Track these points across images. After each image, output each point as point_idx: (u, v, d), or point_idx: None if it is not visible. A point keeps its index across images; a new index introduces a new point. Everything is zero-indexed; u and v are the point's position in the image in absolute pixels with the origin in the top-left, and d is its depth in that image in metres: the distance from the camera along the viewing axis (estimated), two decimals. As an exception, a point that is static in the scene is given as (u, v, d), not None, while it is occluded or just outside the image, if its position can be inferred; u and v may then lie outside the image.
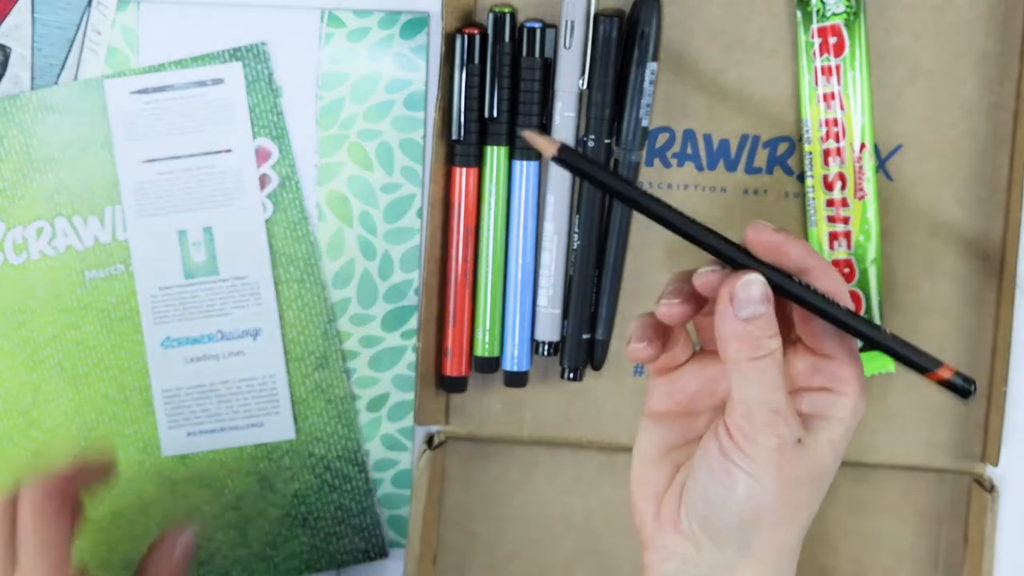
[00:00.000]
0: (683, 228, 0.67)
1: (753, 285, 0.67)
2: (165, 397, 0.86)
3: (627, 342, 0.72)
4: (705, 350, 0.73)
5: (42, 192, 0.88)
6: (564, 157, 0.66)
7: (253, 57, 0.87)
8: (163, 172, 0.78)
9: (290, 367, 0.88)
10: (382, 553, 0.90)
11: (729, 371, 0.67)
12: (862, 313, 0.86)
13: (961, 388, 0.69)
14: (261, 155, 0.87)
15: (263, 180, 0.87)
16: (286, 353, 0.87)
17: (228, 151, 0.79)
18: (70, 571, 0.74)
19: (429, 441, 0.88)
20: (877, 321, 0.86)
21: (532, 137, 0.66)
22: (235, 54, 0.87)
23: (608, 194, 0.68)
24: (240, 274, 0.80)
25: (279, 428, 0.88)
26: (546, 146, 0.66)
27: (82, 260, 0.87)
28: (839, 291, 0.68)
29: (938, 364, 0.69)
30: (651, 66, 0.84)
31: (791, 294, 0.67)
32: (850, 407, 0.69)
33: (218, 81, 0.78)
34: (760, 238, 0.68)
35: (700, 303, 0.70)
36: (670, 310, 0.70)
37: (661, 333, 0.72)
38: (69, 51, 0.87)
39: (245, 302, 0.81)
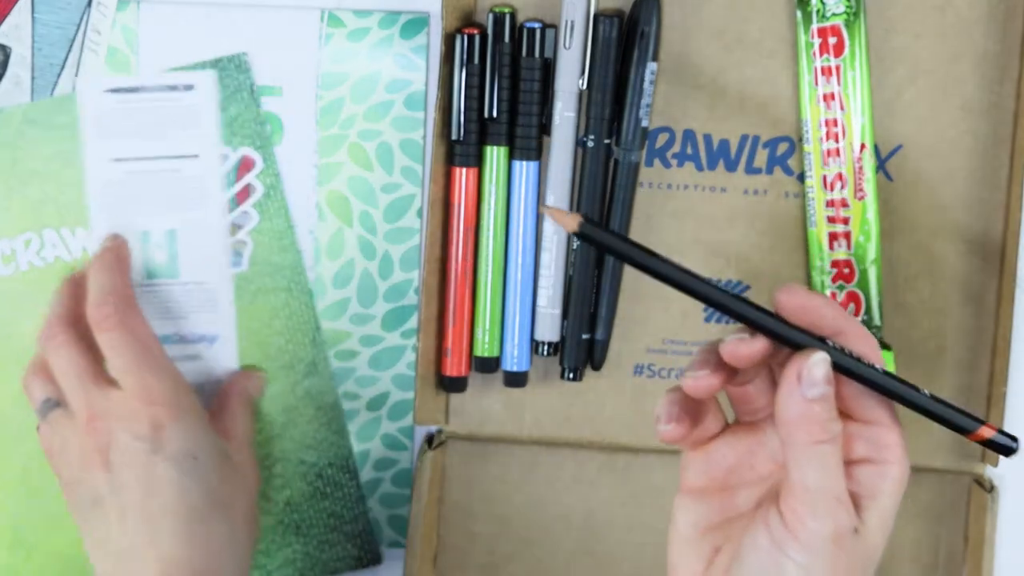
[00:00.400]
0: (715, 299, 0.64)
1: (820, 365, 0.63)
2: None
3: (656, 421, 0.67)
4: (740, 422, 0.69)
5: (28, 204, 0.87)
6: (586, 232, 0.63)
7: (234, 68, 0.87)
8: (130, 172, 0.79)
9: (276, 373, 0.88)
10: (376, 560, 0.90)
11: (790, 455, 0.63)
12: (861, 315, 0.86)
13: (1004, 446, 0.67)
14: (245, 165, 0.87)
15: (248, 190, 0.87)
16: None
17: (195, 156, 0.79)
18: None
19: (429, 441, 0.88)
20: (877, 321, 0.86)
21: (553, 212, 0.63)
22: (216, 64, 0.86)
23: (635, 267, 0.64)
24: (200, 279, 0.80)
25: None
26: (567, 221, 0.63)
27: (71, 271, 0.87)
28: (874, 352, 0.65)
29: (980, 423, 0.66)
30: (651, 66, 0.84)
31: (838, 365, 0.64)
32: (898, 477, 0.65)
33: (189, 87, 0.79)
34: (793, 301, 0.64)
35: (730, 373, 0.66)
36: (697, 383, 0.65)
37: (691, 409, 0.67)
38: (69, 51, 0.87)
39: (203, 307, 0.81)
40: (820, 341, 0.63)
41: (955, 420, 0.65)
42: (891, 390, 0.64)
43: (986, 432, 0.66)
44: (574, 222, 0.62)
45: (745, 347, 0.63)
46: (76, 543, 0.79)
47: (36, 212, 0.88)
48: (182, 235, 0.80)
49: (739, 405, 0.68)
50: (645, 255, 0.63)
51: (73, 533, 0.79)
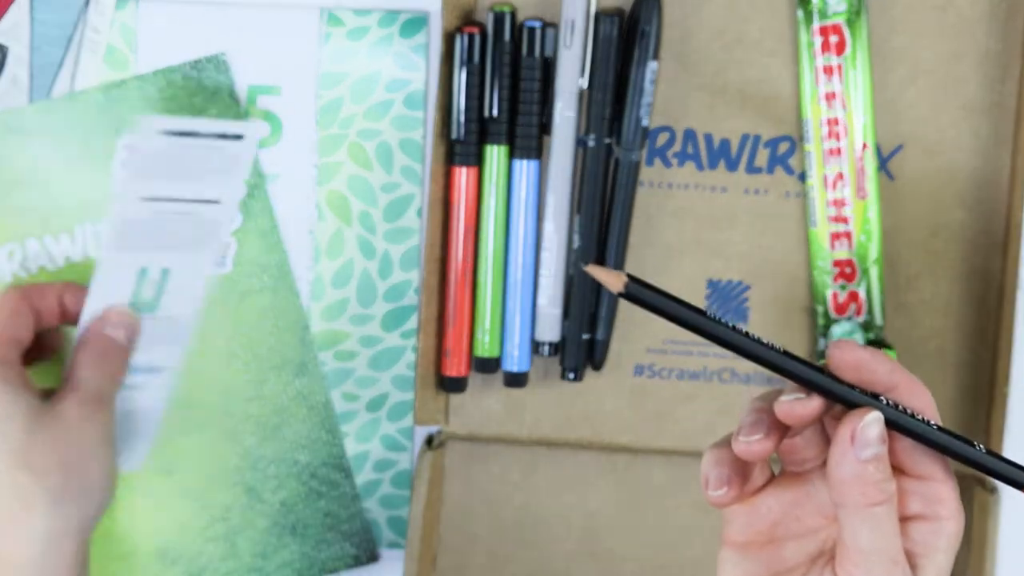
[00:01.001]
0: (764, 357, 0.61)
1: (874, 425, 0.60)
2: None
3: (704, 485, 0.64)
4: (786, 472, 0.66)
5: (11, 214, 0.87)
6: (632, 292, 0.60)
7: (213, 68, 0.87)
8: (156, 212, 0.76)
9: (266, 375, 0.87)
10: (373, 558, 0.90)
11: (843, 517, 0.61)
12: (863, 316, 0.86)
13: None
14: None
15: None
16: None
17: (216, 202, 0.77)
18: None
19: (429, 441, 0.88)
20: (879, 321, 0.86)
21: (596, 272, 0.60)
22: (194, 65, 0.86)
23: (683, 326, 0.60)
24: (173, 314, 0.78)
25: (129, 459, 0.83)
26: (611, 281, 0.60)
27: (58, 279, 0.87)
28: (928, 406, 0.62)
29: None
30: (652, 65, 0.84)
31: (894, 423, 0.62)
32: (953, 532, 0.62)
33: (239, 136, 0.76)
34: (846, 357, 0.61)
35: (783, 433, 0.63)
36: (751, 447, 0.62)
37: (742, 468, 0.64)
38: (67, 50, 0.87)
39: (164, 340, 0.80)
40: (873, 398, 0.61)
41: (1011, 475, 0.63)
42: (945, 446, 0.62)
43: None
44: (619, 282, 0.59)
45: (801, 407, 0.61)
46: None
47: (19, 222, 0.87)
48: (174, 274, 0.78)
49: (785, 456, 0.66)
50: (694, 315, 0.60)
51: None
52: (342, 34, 0.87)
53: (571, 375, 0.87)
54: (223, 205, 0.77)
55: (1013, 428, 0.87)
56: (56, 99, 0.87)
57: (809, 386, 0.61)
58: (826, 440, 0.64)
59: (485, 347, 0.87)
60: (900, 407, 0.62)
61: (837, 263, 0.85)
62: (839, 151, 0.85)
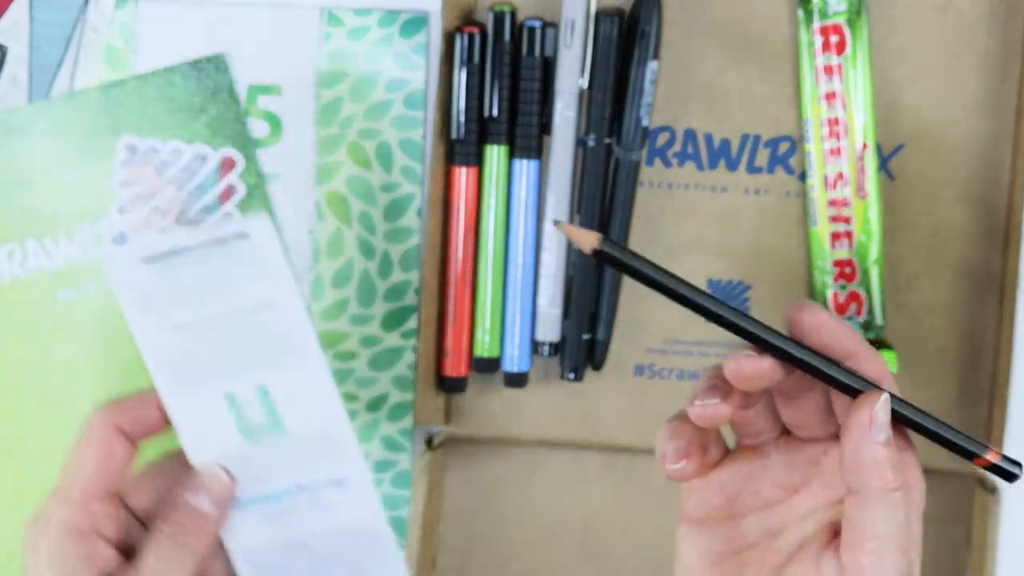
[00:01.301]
0: (727, 318, 0.61)
1: (887, 406, 0.60)
2: (245, 556, 0.73)
3: (660, 459, 0.62)
4: (741, 446, 0.65)
5: (10, 215, 0.87)
6: (604, 249, 0.60)
7: (213, 68, 0.86)
8: (196, 336, 0.67)
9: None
10: None
11: (860, 503, 0.60)
12: (864, 315, 0.86)
13: (1007, 472, 0.65)
14: (226, 165, 0.87)
15: (229, 191, 0.87)
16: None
17: (272, 305, 0.68)
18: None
19: (429, 442, 0.88)
20: (879, 321, 0.86)
21: (568, 229, 0.60)
22: (194, 65, 0.86)
23: (653, 288, 0.61)
24: (312, 431, 0.69)
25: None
26: (584, 239, 0.59)
27: (57, 280, 0.87)
28: (885, 376, 0.62)
29: (985, 449, 0.64)
30: (652, 65, 0.84)
31: (834, 381, 0.61)
32: (918, 500, 0.62)
33: (242, 236, 0.68)
34: (807, 319, 0.60)
35: (741, 399, 0.61)
36: (706, 411, 0.60)
37: (698, 439, 0.63)
38: (67, 50, 0.87)
39: (323, 456, 0.69)
40: (833, 364, 0.61)
41: (963, 444, 0.64)
42: (904, 415, 0.62)
43: (992, 457, 0.64)
44: (592, 240, 0.59)
45: (750, 365, 0.60)
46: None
47: (18, 222, 0.87)
48: (277, 390, 0.68)
49: (740, 428, 0.65)
50: (662, 275, 0.61)
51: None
52: (342, 34, 0.87)
53: (571, 375, 0.87)
54: (283, 307, 0.68)
55: (1013, 428, 0.87)
56: (55, 99, 0.87)
57: (765, 347, 0.60)
58: (776, 414, 0.64)
59: (485, 347, 0.87)
60: (858, 375, 0.61)
61: (837, 263, 0.85)
62: (839, 151, 0.85)
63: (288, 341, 0.68)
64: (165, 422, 0.67)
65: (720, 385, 0.61)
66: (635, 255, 0.60)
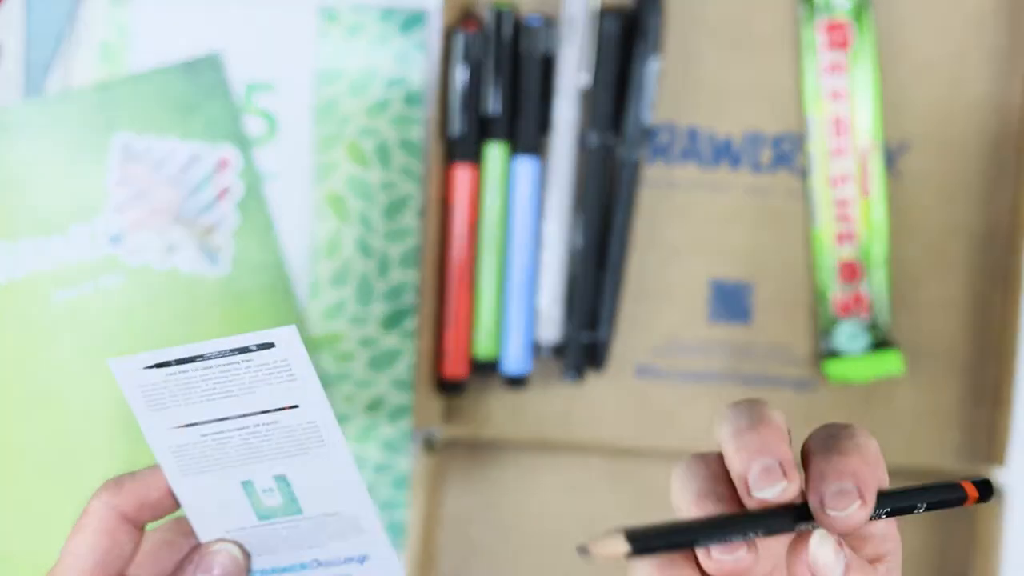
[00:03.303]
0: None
1: (823, 543, 0.54)
2: None
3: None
4: None
5: (4, 214, 0.87)
6: (640, 546, 0.54)
7: (208, 67, 0.86)
8: (207, 434, 0.63)
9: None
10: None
11: None
12: (868, 316, 0.85)
13: (986, 497, 0.62)
14: (223, 164, 0.87)
15: (226, 190, 0.87)
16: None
17: (294, 407, 0.64)
18: None
19: (428, 444, 0.88)
20: (885, 321, 0.85)
21: (596, 547, 0.53)
22: (190, 65, 0.86)
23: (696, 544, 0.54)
24: (330, 511, 0.66)
25: None
26: (610, 547, 0.53)
27: (53, 280, 0.86)
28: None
29: (958, 488, 0.58)
30: (654, 62, 0.84)
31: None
32: (899, 558, 0.57)
33: (266, 346, 0.62)
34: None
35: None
36: (737, 563, 0.54)
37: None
38: (62, 47, 0.86)
39: (343, 534, 0.67)
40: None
41: (947, 498, 0.60)
42: (878, 513, 0.57)
43: (971, 492, 0.61)
44: (622, 547, 0.53)
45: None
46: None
47: (12, 222, 0.87)
48: (297, 479, 0.65)
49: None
50: (702, 531, 0.54)
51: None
52: (340, 31, 0.86)
53: (572, 376, 0.86)
54: (305, 408, 0.64)
55: (1020, 429, 0.86)
56: (50, 96, 0.86)
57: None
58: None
59: (485, 348, 0.86)
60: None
61: (841, 263, 0.85)
62: (844, 149, 0.84)
63: (310, 437, 0.65)
64: (173, 504, 0.64)
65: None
66: (672, 531, 0.54)
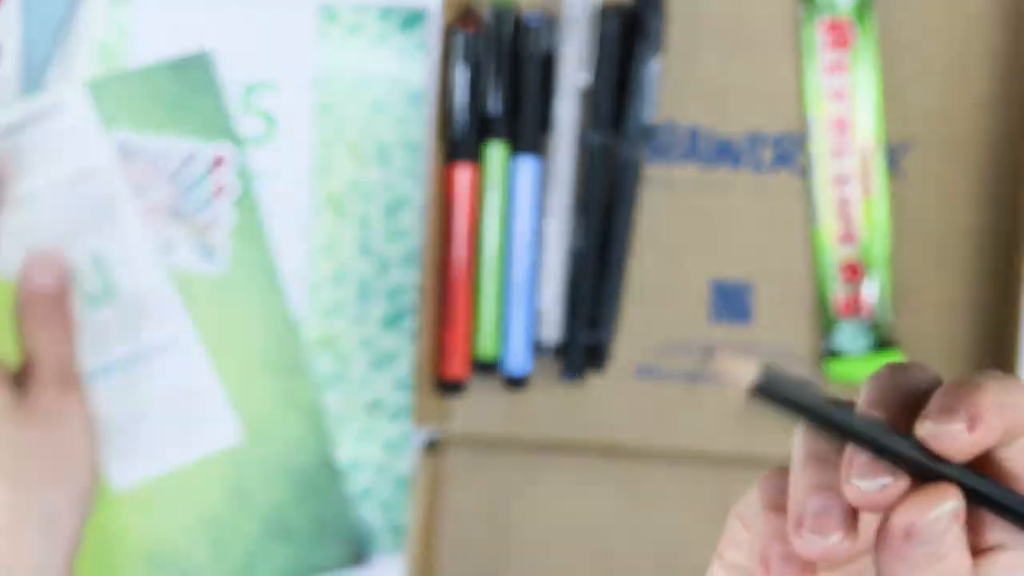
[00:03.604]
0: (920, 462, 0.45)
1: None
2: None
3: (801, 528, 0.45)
4: None
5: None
6: (766, 387, 0.45)
7: (199, 66, 0.86)
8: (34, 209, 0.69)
9: (254, 377, 0.86)
10: (365, 558, 0.89)
11: None
12: (869, 316, 0.85)
13: None
14: (216, 163, 0.87)
15: (220, 189, 0.87)
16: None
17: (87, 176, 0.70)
18: None
19: (428, 444, 0.88)
20: (887, 321, 0.85)
21: (723, 363, 0.44)
22: (180, 64, 0.86)
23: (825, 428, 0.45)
24: (135, 292, 0.73)
25: (221, 434, 0.83)
26: (740, 371, 0.44)
27: None
28: None
29: None
30: (654, 61, 0.84)
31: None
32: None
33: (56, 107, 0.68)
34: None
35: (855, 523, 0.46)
36: (828, 549, 0.44)
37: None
38: (59, 45, 0.86)
39: (147, 321, 0.74)
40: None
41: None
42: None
43: None
44: (749, 374, 0.44)
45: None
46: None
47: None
48: (109, 258, 0.72)
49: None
50: (840, 413, 0.46)
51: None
52: (339, 30, 0.86)
53: (573, 376, 0.86)
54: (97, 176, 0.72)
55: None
56: (46, 94, 0.86)
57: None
58: None
59: (485, 348, 0.86)
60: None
61: (842, 263, 0.85)
62: (845, 149, 0.84)
63: (107, 206, 0.72)
64: None
65: (838, 507, 0.45)
66: (801, 390, 0.46)
